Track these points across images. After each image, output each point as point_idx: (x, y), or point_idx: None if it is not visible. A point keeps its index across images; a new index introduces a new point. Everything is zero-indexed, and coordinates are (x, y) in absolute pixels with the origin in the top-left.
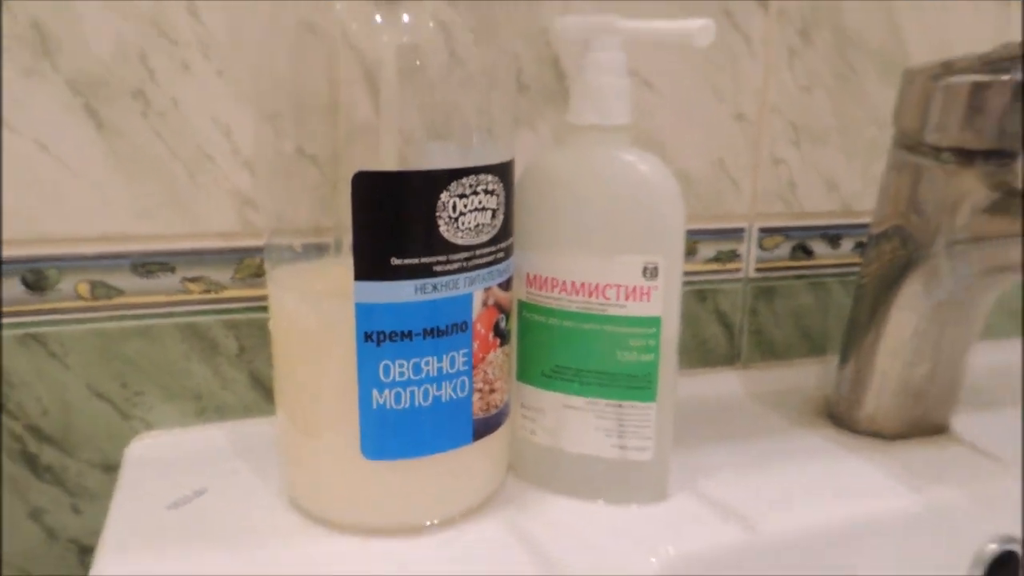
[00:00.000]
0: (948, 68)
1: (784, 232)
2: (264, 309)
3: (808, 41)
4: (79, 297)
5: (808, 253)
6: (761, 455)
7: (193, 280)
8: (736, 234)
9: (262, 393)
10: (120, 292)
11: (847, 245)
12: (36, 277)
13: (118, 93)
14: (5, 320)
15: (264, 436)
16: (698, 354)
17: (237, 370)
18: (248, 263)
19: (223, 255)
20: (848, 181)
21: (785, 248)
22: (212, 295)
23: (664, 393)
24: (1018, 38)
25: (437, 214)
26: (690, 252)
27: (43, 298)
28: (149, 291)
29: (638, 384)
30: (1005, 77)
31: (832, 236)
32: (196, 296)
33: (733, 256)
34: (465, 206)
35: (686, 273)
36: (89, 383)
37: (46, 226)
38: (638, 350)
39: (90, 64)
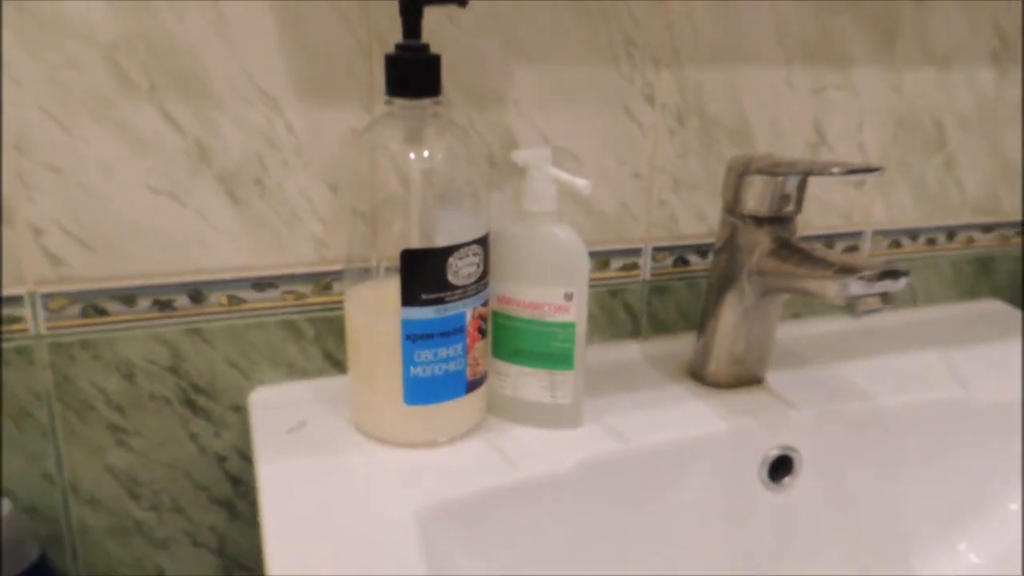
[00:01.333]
0: (748, 166)
1: (668, 249)
2: (330, 309)
3: (683, 124)
4: (220, 305)
5: (686, 263)
6: (643, 399)
7: (288, 292)
8: (636, 252)
9: (330, 363)
10: (244, 301)
11: (711, 257)
12: (195, 293)
13: (245, 182)
14: (176, 321)
15: (331, 389)
16: (611, 331)
17: (315, 348)
18: (322, 282)
19: (306, 277)
20: (712, 214)
21: (669, 260)
22: (299, 302)
23: (578, 365)
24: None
25: (447, 269)
26: (604, 265)
27: (200, 307)
28: (261, 300)
29: (562, 360)
30: (779, 177)
31: (702, 251)
32: (290, 303)
33: (634, 266)
34: (462, 264)
35: (603, 278)
36: (226, 356)
37: (202, 262)
38: (562, 340)
39: (228, 164)
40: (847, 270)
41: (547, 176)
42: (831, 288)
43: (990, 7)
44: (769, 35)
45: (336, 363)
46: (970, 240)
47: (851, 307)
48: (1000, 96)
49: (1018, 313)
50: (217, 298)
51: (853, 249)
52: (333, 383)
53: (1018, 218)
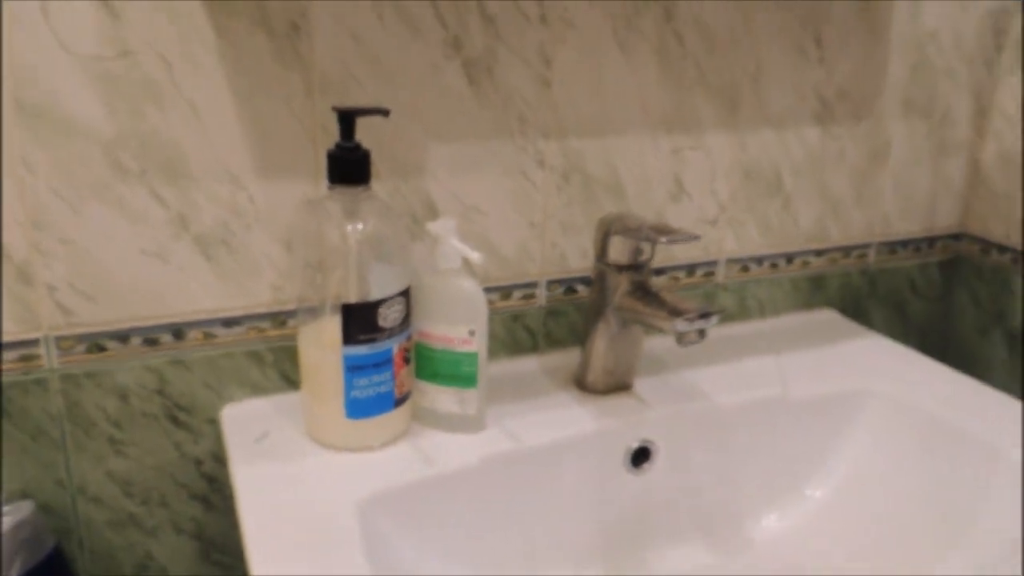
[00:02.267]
0: (611, 227)
1: (560, 281)
2: (285, 340)
3: (568, 181)
4: (197, 340)
5: (574, 291)
6: (535, 405)
7: (251, 328)
8: (533, 285)
9: (285, 382)
10: (216, 336)
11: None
12: (177, 331)
13: (216, 243)
14: (162, 353)
15: (287, 403)
16: (514, 348)
17: (273, 371)
18: (278, 319)
19: (265, 316)
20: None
21: (561, 289)
22: (260, 335)
23: (480, 383)
24: None
25: (377, 317)
26: (508, 296)
27: (181, 342)
28: (230, 335)
29: (468, 380)
30: (631, 240)
31: (587, 281)
32: (253, 336)
33: (532, 296)
34: (389, 312)
35: (507, 306)
36: (202, 380)
37: (182, 306)
38: (467, 365)
39: (202, 229)
40: (676, 312)
41: (452, 245)
42: (665, 325)
43: (812, 79)
44: (635, 110)
45: (290, 382)
46: (805, 263)
47: (679, 338)
48: (824, 148)
49: (845, 320)
50: (194, 334)
51: (711, 275)
52: (288, 398)
53: (843, 243)
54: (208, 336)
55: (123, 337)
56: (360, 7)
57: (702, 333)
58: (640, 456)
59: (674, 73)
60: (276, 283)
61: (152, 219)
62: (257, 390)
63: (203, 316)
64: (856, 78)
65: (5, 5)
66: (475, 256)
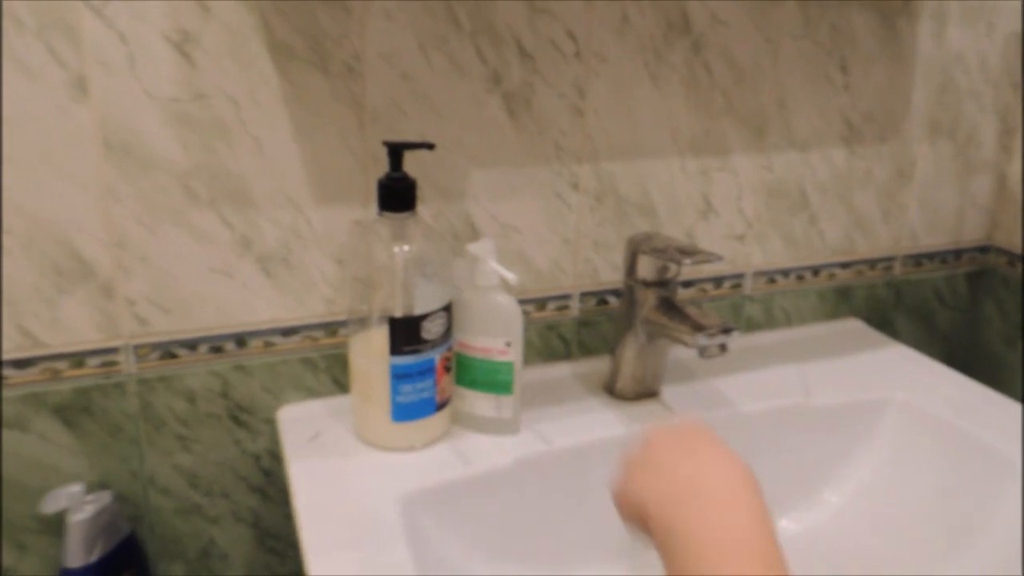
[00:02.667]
0: (639, 247)
1: (592, 294)
2: (336, 348)
3: (600, 202)
4: (257, 347)
5: (606, 303)
6: (566, 410)
7: (306, 337)
8: (567, 297)
9: (336, 386)
10: (275, 344)
11: None
12: (240, 340)
13: (276, 261)
14: (226, 360)
15: (337, 406)
16: (548, 355)
17: (326, 376)
18: (331, 329)
19: (319, 326)
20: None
21: (593, 301)
22: (314, 343)
23: (515, 390)
24: None
25: (421, 330)
26: (542, 307)
27: (243, 349)
28: (287, 343)
29: (504, 387)
30: (658, 260)
31: (618, 292)
32: (307, 345)
33: (566, 307)
34: (432, 325)
35: (542, 316)
36: (262, 384)
37: (244, 317)
38: (504, 374)
39: (264, 249)
40: (698, 327)
41: (491, 264)
42: (688, 339)
43: (838, 104)
44: (665, 136)
45: (340, 386)
46: (831, 275)
47: (701, 352)
48: (850, 167)
49: (870, 330)
50: (255, 342)
51: (738, 286)
52: (338, 401)
53: (868, 256)
54: (268, 344)
55: (192, 345)
56: (408, 49)
57: (723, 347)
58: None
59: (702, 101)
60: (329, 296)
61: (220, 240)
62: (311, 393)
63: (264, 326)
64: (882, 102)
65: (94, 54)
66: (511, 277)
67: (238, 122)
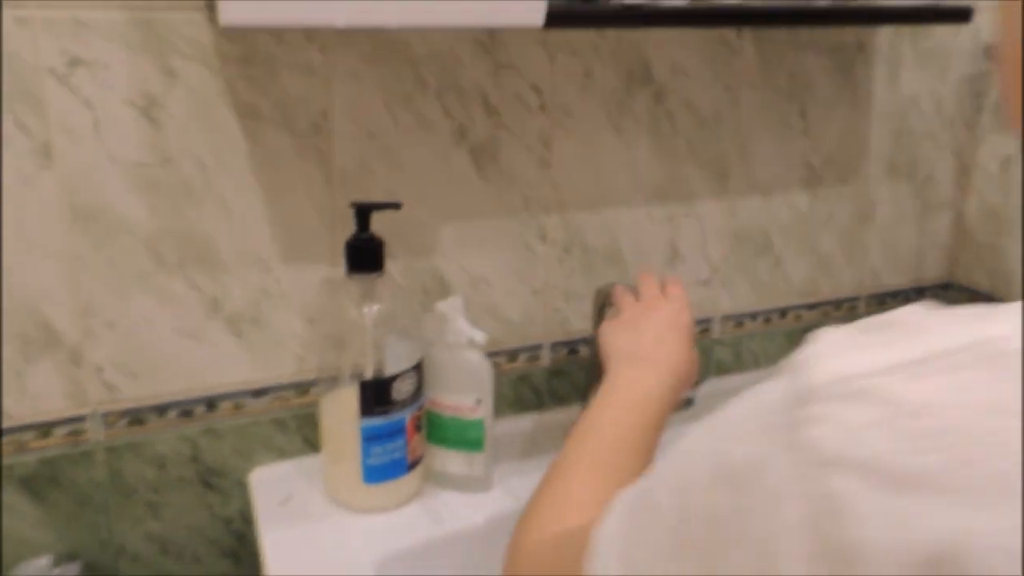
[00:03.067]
0: (607, 298)
1: (563, 343)
2: (307, 407)
3: (569, 252)
4: (228, 410)
5: (576, 352)
6: (538, 463)
7: (276, 398)
8: (538, 347)
9: (307, 445)
10: (245, 405)
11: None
12: (210, 403)
13: (246, 321)
14: (196, 424)
15: (308, 466)
16: (519, 407)
17: (296, 436)
18: (301, 388)
19: (290, 386)
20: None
21: (564, 351)
22: (285, 404)
23: (487, 447)
24: None
25: (392, 389)
26: (514, 358)
27: (213, 412)
28: (258, 404)
29: (475, 444)
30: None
31: (589, 341)
32: (278, 405)
33: (537, 357)
34: (402, 385)
35: (513, 368)
36: (232, 447)
37: (214, 380)
38: (475, 431)
39: (234, 310)
40: None
41: (460, 322)
42: None
43: (799, 149)
44: (630, 184)
45: (312, 445)
46: (798, 316)
47: None
48: (812, 210)
49: None
50: (226, 405)
51: (707, 331)
52: (310, 460)
53: (833, 297)
54: (238, 406)
55: (161, 410)
56: (374, 107)
57: (689, 401)
58: None
59: (666, 149)
60: (299, 355)
61: (188, 303)
62: (282, 454)
63: (234, 388)
64: (841, 145)
65: (59, 122)
66: (480, 336)
67: (205, 184)
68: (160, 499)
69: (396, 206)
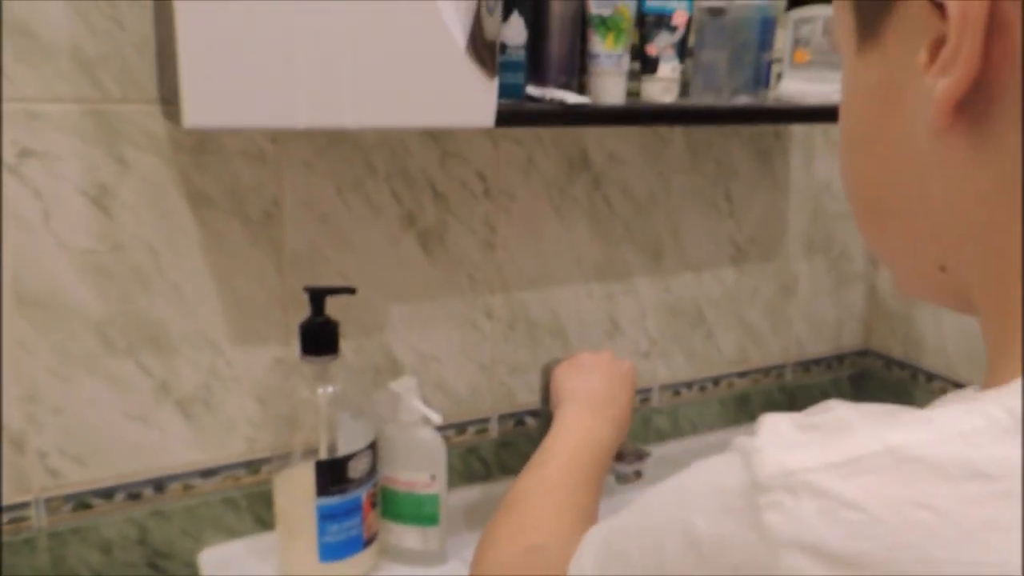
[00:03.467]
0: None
1: (510, 415)
2: (258, 485)
3: (513, 328)
4: (177, 492)
5: (523, 423)
6: None
7: (227, 477)
8: (486, 420)
9: (259, 524)
10: (194, 486)
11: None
12: (158, 485)
13: (196, 403)
14: (144, 507)
15: (260, 545)
16: (469, 478)
17: (247, 514)
18: (252, 467)
19: (240, 465)
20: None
21: (511, 422)
22: (236, 483)
23: (441, 521)
24: None
25: (348, 468)
26: (462, 431)
27: (162, 494)
28: (207, 484)
29: (430, 519)
30: None
31: (535, 413)
32: (229, 484)
33: (485, 430)
34: (358, 464)
35: (462, 441)
36: (181, 528)
37: (163, 462)
38: (430, 507)
39: (184, 393)
40: (616, 457)
41: (414, 401)
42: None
43: (725, 229)
44: (571, 264)
45: (263, 524)
46: (730, 384)
47: (618, 479)
48: (740, 285)
49: None
50: (174, 487)
51: (647, 400)
52: (262, 539)
53: (762, 365)
54: (187, 487)
55: (108, 494)
56: (326, 193)
57: (639, 474)
58: None
59: (604, 231)
60: (250, 435)
61: (137, 387)
62: (233, 534)
63: (183, 469)
64: (763, 225)
65: (7, 210)
66: (435, 416)
67: (156, 270)
68: None
69: (351, 291)
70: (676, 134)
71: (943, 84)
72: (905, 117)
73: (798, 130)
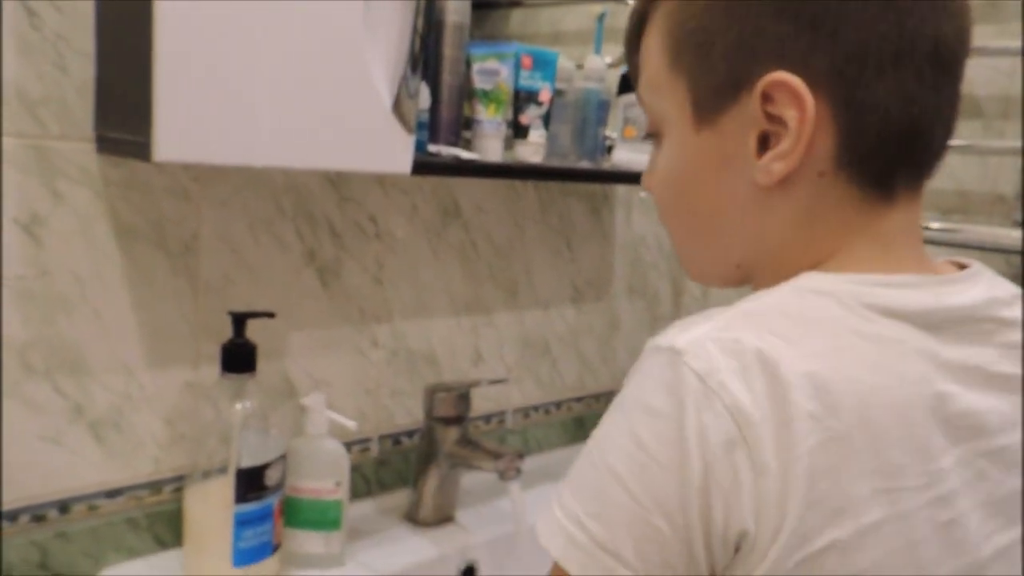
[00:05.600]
0: (435, 390)
1: (389, 436)
2: (160, 505)
3: (396, 355)
4: (81, 512)
5: (399, 443)
6: (380, 539)
7: (131, 497)
8: (368, 440)
9: (157, 543)
10: (99, 507)
11: (417, 439)
12: (64, 506)
13: (107, 425)
14: (47, 528)
15: (161, 564)
16: (352, 493)
17: (147, 534)
18: (157, 487)
19: (145, 485)
20: (416, 410)
21: (389, 442)
22: (139, 503)
23: (343, 525)
24: None
25: (265, 476)
26: (348, 450)
27: (67, 516)
28: (112, 505)
29: (334, 524)
30: (454, 394)
31: (410, 434)
32: (132, 504)
33: (367, 449)
34: (273, 472)
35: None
36: (83, 550)
37: (70, 483)
38: (333, 511)
39: (96, 415)
40: (497, 455)
41: (323, 415)
42: (489, 466)
43: (568, 272)
44: (444, 299)
45: (162, 543)
46: (570, 408)
47: (501, 475)
48: (578, 321)
49: None
50: (79, 508)
51: (502, 422)
52: (159, 558)
53: (595, 391)
54: (91, 508)
55: (13, 516)
56: (239, 229)
57: (519, 470)
58: (468, 574)
59: (471, 270)
60: (156, 455)
61: (52, 409)
62: (132, 553)
63: (89, 490)
64: (596, 270)
65: None
66: (351, 424)
67: (80, 295)
68: None
69: (270, 315)
70: (529, 189)
71: (778, 166)
72: (731, 177)
73: (621, 190)
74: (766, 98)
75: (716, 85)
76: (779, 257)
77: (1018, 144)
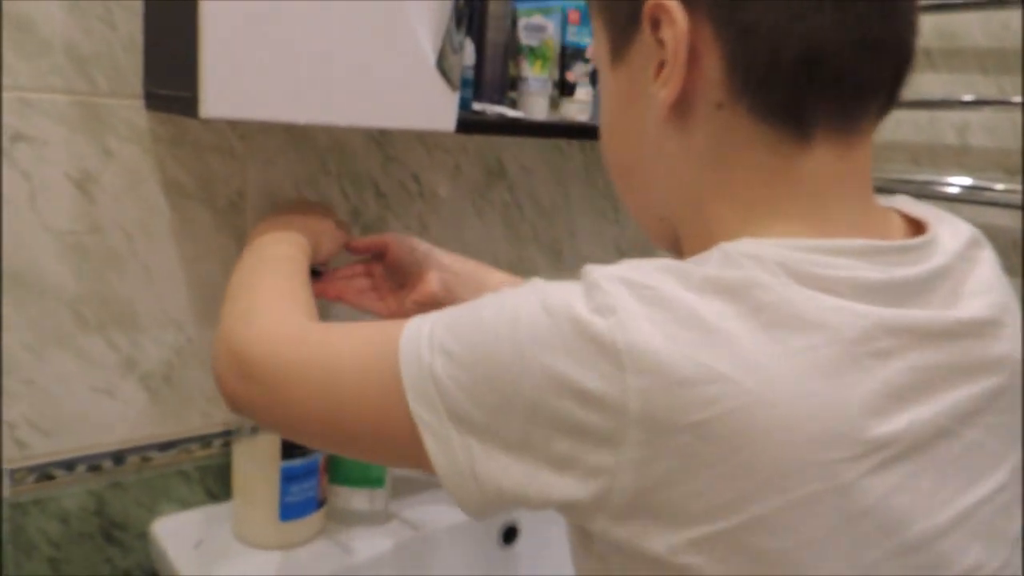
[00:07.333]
0: None
1: None
2: (210, 459)
3: None
4: (135, 463)
5: None
6: (421, 499)
7: (182, 451)
8: None
9: (208, 496)
10: (152, 459)
11: None
12: (118, 457)
13: (158, 379)
14: (103, 478)
15: (213, 514)
16: None
17: (199, 487)
18: (207, 440)
19: (196, 439)
20: None
21: None
22: (189, 456)
23: (387, 483)
24: None
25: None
26: None
27: (121, 467)
28: (164, 457)
29: (377, 481)
30: None
31: None
32: (183, 458)
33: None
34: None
35: None
36: (136, 499)
37: (124, 434)
38: (377, 469)
39: (148, 368)
40: None
41: None
42: None
43: (612, 234)
44: (488, 260)
45: (212, 496)
46: None
47: None
48: None
49: None
50: (133, 459)
51: None
52: (211, 509)
53: None
54: (145, 460)
55: (70, 465)
56: (284, 188)
57: None
58: (510, 535)
59: (515, 232)
60: (206, 410)
61: (105, 362)
62: (184, 505)
63: (142, 442)
64: (641, 233)
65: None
66: None
67: (130, 252)
68: (60, 555)
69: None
70: (575, 150)
71: (663, 93)
72: (641, 113)
73: None
74: (655, 23)
75: (621, 17)
76: (700, 211)
77: None
